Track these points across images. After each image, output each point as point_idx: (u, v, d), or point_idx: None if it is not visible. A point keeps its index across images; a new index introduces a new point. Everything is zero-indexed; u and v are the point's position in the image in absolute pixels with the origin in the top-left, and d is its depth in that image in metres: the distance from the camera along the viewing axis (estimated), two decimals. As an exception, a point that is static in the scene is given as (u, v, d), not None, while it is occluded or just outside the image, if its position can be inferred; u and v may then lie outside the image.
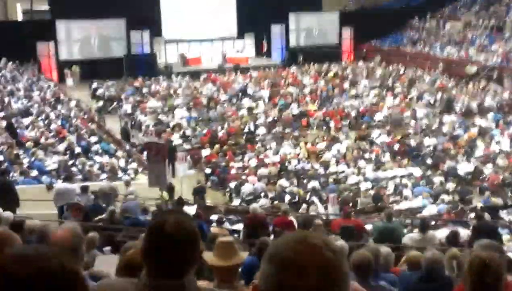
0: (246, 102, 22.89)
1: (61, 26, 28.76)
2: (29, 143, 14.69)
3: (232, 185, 14.68)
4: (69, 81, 27.76)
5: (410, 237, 8.80)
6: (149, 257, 1.73)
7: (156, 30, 31.37)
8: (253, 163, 16.03)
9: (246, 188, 14.11)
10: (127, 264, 2.61)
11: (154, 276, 1.71)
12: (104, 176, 14.04)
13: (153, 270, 1.72)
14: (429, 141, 17.75)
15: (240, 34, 34.00)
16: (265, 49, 33.66)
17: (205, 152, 17.14)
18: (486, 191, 13.64)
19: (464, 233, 9.01)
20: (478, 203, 12.79)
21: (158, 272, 1.71)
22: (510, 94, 23.21)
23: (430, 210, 12.19)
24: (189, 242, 1.75)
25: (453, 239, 8.27)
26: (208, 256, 3.01)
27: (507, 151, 16.67)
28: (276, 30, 33.35)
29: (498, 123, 19.36)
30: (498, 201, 12.67)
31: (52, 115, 18.59)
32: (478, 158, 16.13)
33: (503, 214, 11.53)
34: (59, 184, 11.64)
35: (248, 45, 33.90)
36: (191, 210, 10.98)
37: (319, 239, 1.09)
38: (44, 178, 12.74)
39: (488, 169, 15.09)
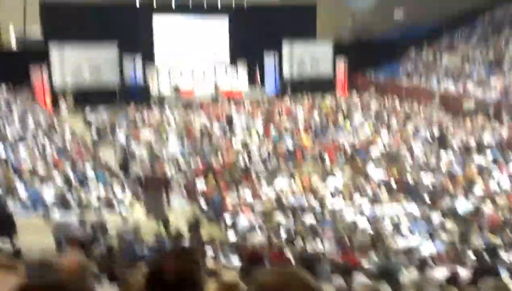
0: (240, 134, 23.28)
1: (54, 54, 29.41)
2: (26, 173, 15.06)
3: (227, 218, 14.96)
4: (63, 108, 28.23)
5: (409, 276, 9.15)
6: None
7: (149, 58, 32.23)
8: (248, 196, 16.32)
9: (242, 222, 14.41)
10: None
11: None
12: (100, 206, 14.37)
13: None
14: (426, 177, 18.05)
15: (233, 62, 34.66)
16: (258, 80, 34.18)
17: (200, 185, 17.43)
18: (485, 231, 13.98)
19: (464, 273, 9.30)
20: (477, 242, 13.06)
21: None
22: (509, 131, 23.61)
23: (428, 248, 12.49)
24: (188, 283, 1.87)
25: (453, 280, 8.61)
26: None
27: (506, 189, 16.88)
28: (270, 61, 33.91)
29: (497, 161, 19.65)
30: (497, 240, 12.95)
31: (47, 144, 18.97)
32: (477, 196, 16.33)
33: (502, 254, 11.81)
34: (57, 216, 11.97)
35: (241, 75, 34.43)
36: (185, 243, 11.32)
37: (301, 286, 1.16)
38: (41, 208, 13.03)
39: (487, 208, 15.33)
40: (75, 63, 29.76)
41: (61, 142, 19.84)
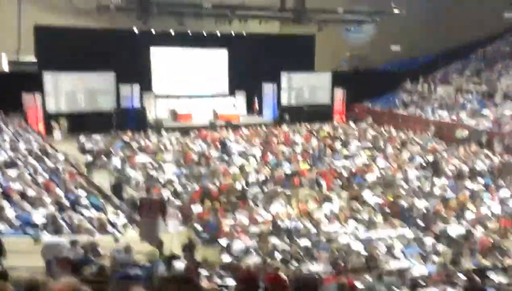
0: (238, 159, 23.36)
1: (48, 78, 29.23)
2: (15, 196, 14.89)
3: (223, 242, 14.92)
4: (56, 134, 28.06)
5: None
6: None
7: (146, 85, 32.10)
8: (245, 220, 16.31)
9: (237, 245, 14.38)
10: None
11: None
12: (93, 229, 14.25)
13: None
14: (420, 203, 18.13)
15: (231, 92, 34.89)
16: (256, 107, 34.36)
17: (196, 209, 17.39)
18: (476, 253, 14.05)
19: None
20: (468, 264, 13.10)
21: None
22: (501, 159, 23.85)
23: (420, 270, 12.53)
24: None
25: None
26: None
27: (497, 214, 17.11)
28: (268, 88, 34.17)
29: (488, 187, 19.86)
30: (487, 263, 13.04)
31: (39, 168, 18.84)
32: (469, 220, 16.53)
33: (492, 275, 11.84)
34: (48, 237, 11.86)
35: (239, 103, 34.60)
36: (179, 265, 11.27)
37: None
38: (31, 231, 12.90)
39: (478, 232, 15.44)
40: (70, 90, 29.78)
41: (54, 166, 19.69)
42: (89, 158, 23.77)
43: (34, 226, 13.39)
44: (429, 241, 14.75)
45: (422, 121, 31.20)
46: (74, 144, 26.26)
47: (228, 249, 14.57)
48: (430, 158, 24.02)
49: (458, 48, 38.16)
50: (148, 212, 14.42)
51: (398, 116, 32.90)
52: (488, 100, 31.22)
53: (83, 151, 25.09)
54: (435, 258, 13.24)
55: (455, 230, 15.71)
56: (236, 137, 27.65)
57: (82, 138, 26.30)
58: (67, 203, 15.66)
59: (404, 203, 18.28)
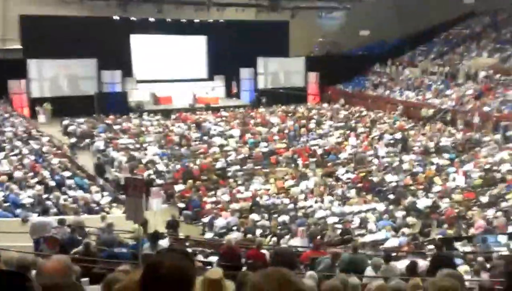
0: (217, 140, 23.11)
1: (33, 65, 28.72)
2: (3, 178, 14.50)
3: (206, 219, 14.74)
4: (41, 117, 27.55)
5: (374, 267, 9.07)
6: None
7: (127, 71, 31.56)
8: (226, 198, 16.15)
9: (219, 222, 14.22)
10: None
11: None
12: (78, 209, 13.94)
13: None
14: (390, 178, 18.19)
15: (210, 77, 34.48)
16: (234, 91, 34.08)
17: (179, 187, 17.16)
18: (442, 224, 14.13)
19: (423, 263, 9.28)
20: (435, 235, 13.16)
21: None
22: (463, 135, 24.03)
23: (392, 242, 12.54)
24: (182, 283, 1.81)
25: (412, 269, 8.56)
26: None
27: (461, 186, 17.26)
28: (245, 73, 33.88)
29: (453, 161, 20.02)
30: (453, 233, 13.14)
31: (25, 150, 18.41)
32: (436, 193, 16.65)
33: (458, 245, 11.89)
34: (35, 217, 11.54)
35: (218, 87, 34.25)
36: (164, 243, 11.05)
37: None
38: (19, 211, 12.56)
39: (444, 204, 15.53)
40: (54, 76, 29.25)
41: (39, 148, 19.24)
42: (73, 140, 23.37)
43: (22, 206, 13.05)
44: (399, 213, 14.78)
45: (390, 101, 31.25)
46: (58, 128, 25.71)
47: (210, 226, 14.42)
48: (399, 136, 24.09)
49: (423, 32, 38.22)
50: (132, 191, 14.15)
51: (368, 97, 32.90)
52: (451, 81, 31.39)
53: (67, 133, 24.59)
54: (406, 230, 13.23)
55: (423, 202, 15.81)
56: (215, 119, 27.35)
57: (66, 121, 25.69)
58: (53, 184, 15.35)
59: (375, 178, 18.33)
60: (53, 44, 27.76)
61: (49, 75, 29.26)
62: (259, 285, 1.10)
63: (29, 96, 28.44)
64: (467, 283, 7.87)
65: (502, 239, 12.31)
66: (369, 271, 9.08)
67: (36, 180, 15.32)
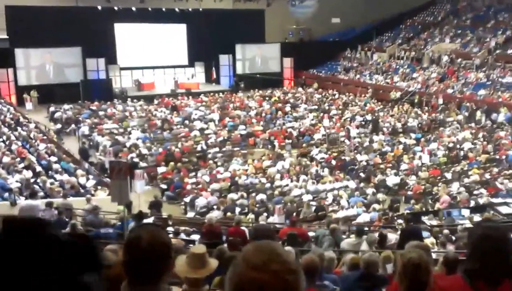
0: (198, 123, 22.80)
1: (19, 54, 28.13)
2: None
3: (187, 199, 14.53)
4: (28, 105, 26.96)
5: (348, 242, 9.00)
6: (128, 268, 1.82)
7: (111, 59, 31.06)
8: (206, 178, 15.93)
9: (200, 202, 14.02)
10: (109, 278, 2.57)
11: (134, 284, 1.82)
12: (65, 192, 13.61)
13: (133, 279, 1.82)
14: (361, 157, 18.16)
15: (191, 63, 34.11)
16: (214, 76, 33.76)
17: (161, 169, 16.89)
18: (410, 200, 14.16)
19: (393, 236, 9.24)
20: (404, 210, 13.19)
21: (137, 280, 1.80)
22: (429, 116, 24.15)
23: (364, 217, 12.51)
24: (162, 254, 1.81)
25: (381, 241, 8.52)
26: (180, 265, 2.96)
27: (427, 164, 17.31)
28: (224, 59, 33.52)
29: (419, 141, 20.07)
30: (420, 208, 13.17)
31: (13, 136, 17.93)
32: (404, 171, 16.67)
33: (424, 219, 11.93)
34: (23, 201, 11.23)
35: (198, 73, 33.88)
36: (148, 222, 10.82)
37: (280, 263, 1.05)
38: (7, 195, 12.22)
39: (412, 181, 15.57)
40: (40, 64, 28.63)
41: (27, 134, 18.78)
42: (59, 126, 22.87)
43: (10, 190, 12.69)
44: (370, 190, 14.76)
45: (361, 85, 31.27)
46: (45, 114, 25.22)
47: (191, 205, 14.22)
48: (369, 117, 24.08)
49: (390, 19, 38.25)
50: (117, 174, 13.87)
51: (340, 81, 32.84)
52: (416, 65, 31.51)
53: (53, 120, 24.08)
54: (376, 206, 13.20)
55: (392, 180, 15.82)
56: (196, 104, 26.98)
57: (52, 108, 25.13)
58: (40, 168, 15.00)
59: (347, 158, 18.29)
60: (39, 34, 27.22)
61: (35, 64, 28.63)
62: (250, 257, 1.07)
63: (17, 85, 27.85)
64: (433, 255, 7.86)
65: (465, 212, 12.40)
66: (343, 245, 9.04)
67: (23, 164, 15.01)
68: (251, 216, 12.95)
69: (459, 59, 29.94)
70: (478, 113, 23.92)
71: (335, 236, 9.13)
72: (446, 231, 9.88)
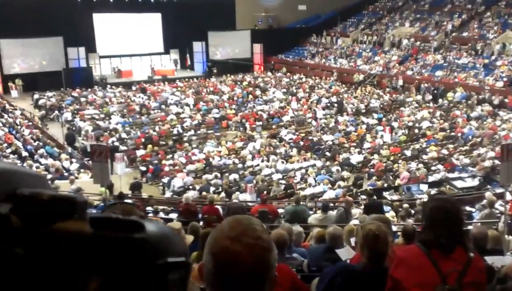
0: (174, 108, 22.57)
1: (4, 45, 27.49)
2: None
3: (165, 180, 14.46)
4: (13, 93, 26.47)
5: (314, 217, 9.12)
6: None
7: (91, 47, 30.61)
8: (182, 160, 15.85)
9: (177, 182, 13.96)
10: None
11: None
12: (51, 175, 13.41)
13: None
14: (327, 137, 18.23)
15: (166, 51, 33.68)
16: (188, 63, 33.42)
17: (140, 152, 16.71)
18: (372, 176, 14.32)
19: (357, 211, 9.38)
20: (367, 186, 13.33)
21: None
22: (390, 97, 24.38)
23: (330, 194, 12.60)
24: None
25: (345, 215, 8.69)
26: None
27: (388, 143, 17.43)
28: (198, 46, 33.14)
29: (381, 121, 20.21)
30: (382, 184, 13.31)
31: (-1, 123, 17.55)
32: (366, 149, 16.77)
33: (386, 194, 12.10)
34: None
35: (173, 60, 33.49)
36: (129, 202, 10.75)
37: (254, 238, 1.04)
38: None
39: (374, 159, 15.69)
40: (24, 54, 28.01)
41: (12, 121, 18.37)
42: (43, 112, 22.38)
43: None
44: (335, 168, 14.87)
45: (326, 68, 31.30)
46: (30, 102, 24.79)
47: (169, 186, 14.16)
48: (334, 99, 24.15)
49: (353, 5, 38.20)
50: (98, 157, 13.67)
51: (307, 65, 32.83)
52: (378, 48, 31.66)
53: (37, 106, 23.64)
54: (341, 183, 13.35)
55: (355, 158, 15.91)
56: (172, 89, 26.66)
57: (36, 96, 24.66)
58: (26, 153, 14.79)
59: (314, 138, 18.35)
60: (23, 25, 26.61)
61: (19, 54, 28.03)
62: (227, 227, 1.07)
63: (2, 74, 27.40)
64: (394, 228, 8.03)
65: (424, 187, 12.55)
66: (310, 220, 9.16)
67: (10, 150, 14.75)
68: (223, 194, 12.96)
69: (418, 42, 30.20)
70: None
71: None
72: (405, 205, 10.02)
